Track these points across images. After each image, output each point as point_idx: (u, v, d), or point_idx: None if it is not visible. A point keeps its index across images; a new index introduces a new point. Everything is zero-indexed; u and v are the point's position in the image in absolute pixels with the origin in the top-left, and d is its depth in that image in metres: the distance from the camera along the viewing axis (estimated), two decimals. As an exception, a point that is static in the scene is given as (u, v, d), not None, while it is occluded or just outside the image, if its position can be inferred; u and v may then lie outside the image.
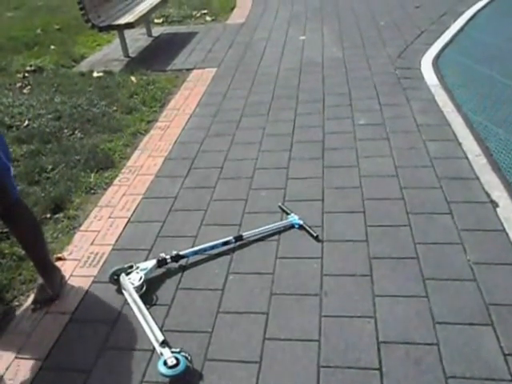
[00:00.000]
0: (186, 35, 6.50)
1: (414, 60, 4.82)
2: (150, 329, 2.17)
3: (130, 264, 2.52)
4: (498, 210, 2.59)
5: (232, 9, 7.72)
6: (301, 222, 2.71)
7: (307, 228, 2.67)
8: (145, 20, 6.30)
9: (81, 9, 5.30)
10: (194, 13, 7.50)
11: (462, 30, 5.60)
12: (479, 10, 6.26)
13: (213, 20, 7.20)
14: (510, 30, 5.48)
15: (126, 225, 2.91)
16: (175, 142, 3.79)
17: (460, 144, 3.25)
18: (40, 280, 2.46)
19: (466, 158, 3.07)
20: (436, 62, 4.72)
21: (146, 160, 3.58)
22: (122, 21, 5.55)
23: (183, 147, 3.71)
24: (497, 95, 3.99)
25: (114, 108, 4.45)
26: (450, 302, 2.12)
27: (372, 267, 2.36)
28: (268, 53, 5.48)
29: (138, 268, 2.51)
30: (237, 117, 4.02)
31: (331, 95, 4.22)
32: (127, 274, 2.48)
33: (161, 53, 5.85)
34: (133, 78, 5.03)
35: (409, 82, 4.34)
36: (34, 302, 2.41)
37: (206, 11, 7.55)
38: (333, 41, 5.66)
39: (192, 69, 5.21)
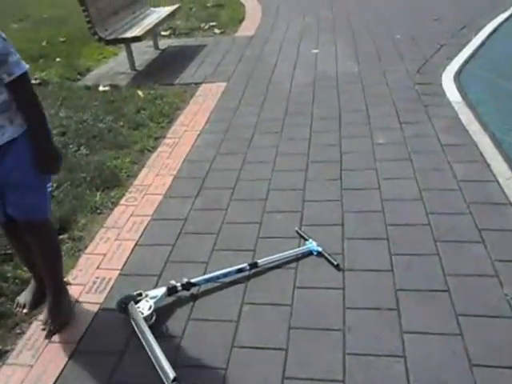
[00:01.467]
0: (194, 48, 6.48)
1: (435, 75, 4.75)
2: (160, 364, 2.07)
3: (138, 291, 2.43)
4: (533, 238, 2.49)
5: (241, 21, 7.72)
6: (320, 249, 2.61)
7: (327, 255, 2.57)
8: (153, 33, 6.29)
9: (88, 22, 5.28)
10: (202, 25, 7.49)
11: (483, 43, 5.54)
12: (501, 24, 6.22)
13: (221, 32, 7.19)
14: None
15: (133, 248, 2.82)
16: (184, 159, 3.72)
17: (489, 166, 3.15)
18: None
19: (496, 181, 2.97)
20: (458, 78, 4.65)
21: (154, 179, 3.51)
22: (129, 34, 5.53)
23: (193, 165, 3.63)
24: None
25: (121, 123, 4.39)
26: (487, 342, 2.01)
27: (398, 300, 2.25)
28: (279, 67, 5.43)
29: (147, 296, 2.42)
30: (248, 134, 3.95)
31: (347, 112, 4.15)
32: (136, 302, 2.39)
33: (168, 66, 5.82)
34: (140, 93, 4.99)
35: (430, 98, 4.26)
36: (45, 322, 2.35)
37: (214, 23, 7.54)
38: (347, 54, 5.61)
39: (201, 83, 5.16)
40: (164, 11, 6.38)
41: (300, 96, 4.58)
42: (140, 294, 2.42)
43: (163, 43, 6.79)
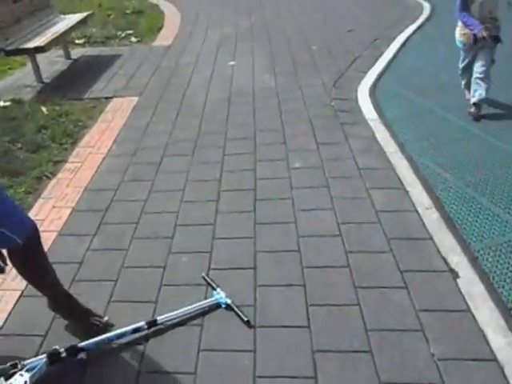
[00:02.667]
0: (108, 58, 5.81)
1: (350, 90, 4.41)
2: None
3: (13, 362, 1.86)
4: (458, 281, 2.13)
5: (159, 29, 7.10)
6: (228, 301, 2.14)
7: (236, 310, 2.11)
8: (61, 41, 5.57)
9: (-16, 31, 4.53)
10: (119, 33, 6.80)
11: (395, 56, 5.28)
12: (410, 36, 6.01)
13: (138, 41, 6.55)
14: (442, 57, 5.22)
15: (18, 299, 2.25)
16: (85, 188, 3.13)
17: (407, 192, 2.80)
18: None
19: (416, 211, 2.62)
20: (373, 92, 4.33)
21: (50, 212, 2.91)
22: (32, 44, 4.80)
23: (94, 195, 3.06)
24: (439, 131, 3.62)
25: (19, 145, 3.72)
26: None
27: (316, 365, 1.83)
28: (195, 80, 4.90)
29: (23, 368, 1.86)
30: (157, 157, 3.41)
31: (263, 132, 3.70)
32: (7, 377, 1.83)
33: (79, 78, 5.14)
34: (43, 109, 4.30)
35: (346, 115, 3.90)
36: None
37: (131, 32, 6.88)
38: (264, 67, 5.17)
39: (111, 97, 4.54)
40: (74, 18, 5.65)
41: (214, 113, 4.09)
42: (14, 365, 1.85)
43: (76, 52, 6.06)
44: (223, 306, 2.14)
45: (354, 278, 2.20)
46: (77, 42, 6.47)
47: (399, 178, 2.99)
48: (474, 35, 3.67)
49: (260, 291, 2.20)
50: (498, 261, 2.32)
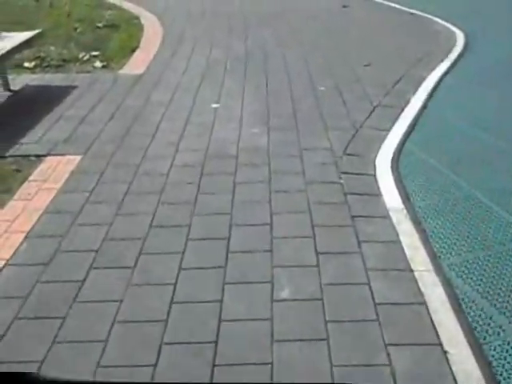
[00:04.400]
0: (59, 91, 5.00)
1: (367, 159, 3.57)
2: None
3: None
4: None
5: (133, 50, 6.30)
6: None
7: None
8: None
9: None
10: (82, 55, 6.00)
11: (425, 106, 4.46)
12: (443, 76, 5.20)
13: (104, 67, 5.74)
14: (486, 109, 4.41)
15: None
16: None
17: (447, 356, 1.94)
18: None
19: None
20: (397, 164, 3.49)
21: None
22: None
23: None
24: (490, 236, 2.78)
25: None
26: None
27: None
28: (163, 130, 4.07)
29: None
30: (81, 271, 2.54)
31: (241, 228, 2.83)
32: None
33: (12, 120, 4.30)
34: None
35: (360, 202, 3.05)
36: None
37: (97, 53, 6.08)
38: (256, 114, 4.34)
39: (46, 155, 3.69)
40: (17, 39, 4.86)
41: (179, 190, 3.23)
42: None
43: (20, 80, 5.24)
44: None
45: None
46: (26, 65, 5.68)
47: (433, 326, 2.13)
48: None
49: None
50: None
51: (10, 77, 5.25)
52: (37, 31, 5.04)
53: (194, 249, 2.69)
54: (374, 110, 4.38)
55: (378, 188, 3.22)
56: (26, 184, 3.33)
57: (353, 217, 2.93)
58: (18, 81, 5.23)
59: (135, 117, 4.34)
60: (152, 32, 7.15)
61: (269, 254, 2.63)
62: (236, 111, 4.41)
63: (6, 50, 4.55)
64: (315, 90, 4.84)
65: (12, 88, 5.00)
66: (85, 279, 2.48)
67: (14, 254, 2.66)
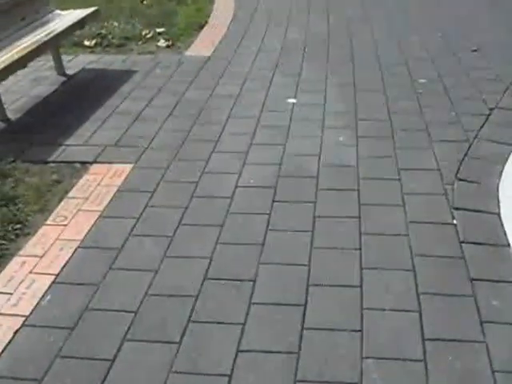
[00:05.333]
0: (116, 76, 4.42)
1: (485, 185, 2.73)
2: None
3: None
4: None
5: (201, 27, 5.62)
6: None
7: None
8: (51, 50, 4.25)
9: None
10: (145, 32, 5.39)
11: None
12: None
13: (168, 46, 5.11)
14: None
15: None
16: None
17: None
18: None
19: None
20: (528, 197, 2.67)
21: None
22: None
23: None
24: None
25: None
26: None
27: None
28: (229, 134, 3.37)
29: None
30: (113, 343, 1.97)
31: (323, 290, 2.13)
32: None
33: (60, 114, 3.78)
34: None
35: (480, 257, 2.27)
36: None
37: (162, 30, 5.46)
38: (341, 115, 3.56)
39: (91, 163, 3.14)
40: (70, 18, 4.28)
41: (243, 222, 2.55)
42: None
43: (79, 62, 4.72)
44: None
45: None
46: (86, 43, 5.15)
47: None
48: None
49: None
50: None
51: (67, 58, 4.76)
52: (93, 9, 4.43)
53: (257, 320, 2.03)
54: (490, 113, 3.48)
55: (505, 234, 2.42)
56: (64, 202, 2.77)
57: (472, 280, 2.15)
58: (74, 63, 4.70)
59: (197, 114, 3.68)
60: (223, 5, 6.41)
61: (358, 337, 1.93)
62: (316, 110, 3.65)
63: (57, 31, 4.00)
64: (414, 84, 3.98)
65: (67, 72, 4.49)
66: (117, 352, 1.90)
67: (35, 309, 2.12)
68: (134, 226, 2.56)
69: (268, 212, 2.60)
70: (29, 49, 3.71)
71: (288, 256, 2.32)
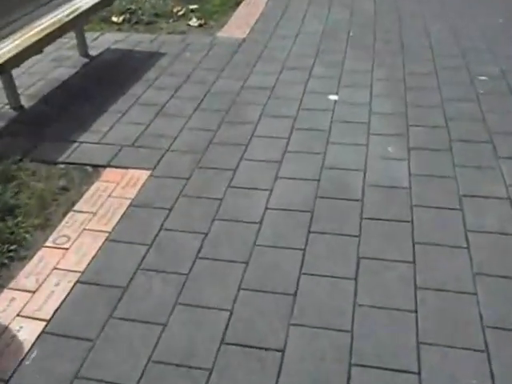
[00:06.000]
0: (142, 59, 3.86)
1: None
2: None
3: None
4: None
5: (238, 4, 4.96)
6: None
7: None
8: (76, 28, 3.69)
9: None
10: (177, 9, 4.77)
11: None
12: None
13: (200, 25, 4.49)
14: None
15: None
16: None
17: None
18: None
19: None
20: None
21: None
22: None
23: None
24: None
25: None
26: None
27: None
28: (260, 138, 2.78)
29: None
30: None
31: (366, 372, 1.63)
32: None
33: (77, 102, 3.26)
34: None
35: None
36: None
37: (195, 6, 4.83)
38: (390, 119, 2.92)
39: (104, 166, 2.63)
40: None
41: (272, 257, 2.02)
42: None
43: (104, 41, 4.16)
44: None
45: None
46: (114, 19, 4.57)
47: None
48: None
49: None
50: None
51: (92, 36, 4.22)
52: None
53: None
54: None
55: None
56: (69, 217, 2.27)
57: None
58: (99, 42, 4.15)
59: (227, 109, 3.10)
60: (262, -20, 5.71)
61: None
62: (361, 110, 3.03)
63: (82, 9, 3.44)
64: (474, 82, 3.30)
65: (90, 53, 3.94)
66: None
67: (17, 369, 1.66)
68: (145, 256, 2.06)
69: (302, 247, 2.06)
70: (47, 30, 3.20)
71: (325, 316, 1.78)
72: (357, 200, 2.31)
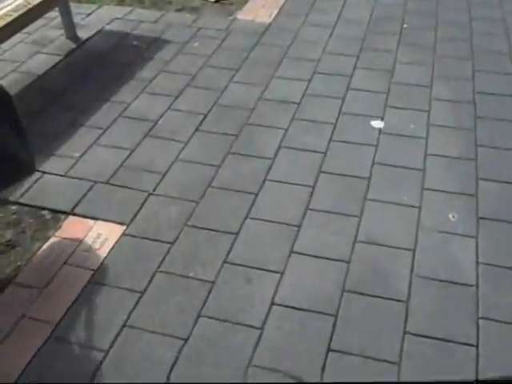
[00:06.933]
0: (140, 47, 3.28)
1: None
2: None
3: None
4: None
5: (265, -25, 4.29)
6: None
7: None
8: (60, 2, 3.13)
9: None
10: (191, -20, 4.14)
11: None
12: None
13: (217, 1, 3.85)
14: None
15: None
16: None
17: None
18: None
19: None
20: None
21: None
22: None
23: None
24: None
25: None
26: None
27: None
28: (274, 184, 2.20)
29: None
30: None
31: None
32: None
33: (51, 109, 2.70)
34: None
35: None
36: None
37: (213, -21, 4.19)
38: (453, 166, 2.28)
39: (67, 213, 2.11)
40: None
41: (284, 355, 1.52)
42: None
43: (99, 19, 3.55)
44: None
45: None
46: (115, -11, 3.98)
47: None
48: None
49: None
50: None
51: (85, 11, 3.64)
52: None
53: None
54: None
55: None
56: (6, 294, 1.79)
57: None
58: (93, 19, 3.56)
59: (237, 132, 2.50)
60: None
61: None
62: (415, 148, 2.39)
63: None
64: None
65: (79, 35, 3.36)
66: None
67: None
68: (95, 371, 1.57)
69: (322, 360, 1.53)
70: (20, 11, 2.65)
71: None
72: (401, 301, 1.73)
